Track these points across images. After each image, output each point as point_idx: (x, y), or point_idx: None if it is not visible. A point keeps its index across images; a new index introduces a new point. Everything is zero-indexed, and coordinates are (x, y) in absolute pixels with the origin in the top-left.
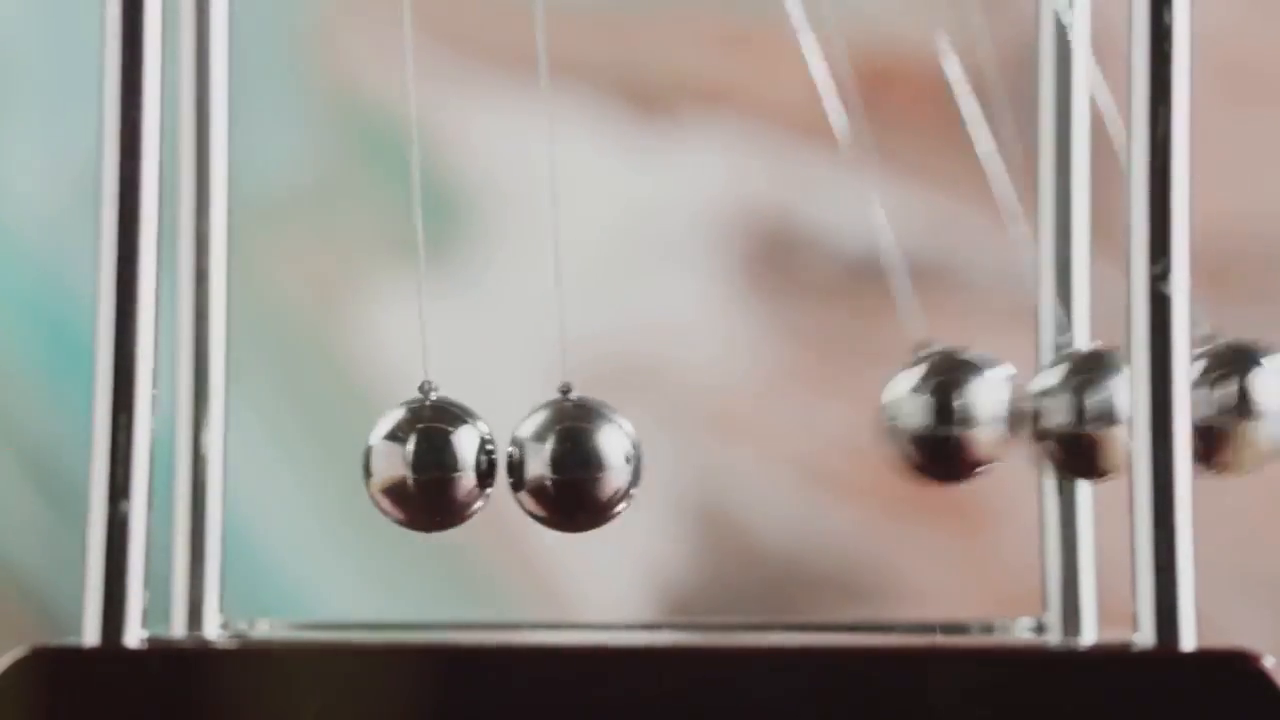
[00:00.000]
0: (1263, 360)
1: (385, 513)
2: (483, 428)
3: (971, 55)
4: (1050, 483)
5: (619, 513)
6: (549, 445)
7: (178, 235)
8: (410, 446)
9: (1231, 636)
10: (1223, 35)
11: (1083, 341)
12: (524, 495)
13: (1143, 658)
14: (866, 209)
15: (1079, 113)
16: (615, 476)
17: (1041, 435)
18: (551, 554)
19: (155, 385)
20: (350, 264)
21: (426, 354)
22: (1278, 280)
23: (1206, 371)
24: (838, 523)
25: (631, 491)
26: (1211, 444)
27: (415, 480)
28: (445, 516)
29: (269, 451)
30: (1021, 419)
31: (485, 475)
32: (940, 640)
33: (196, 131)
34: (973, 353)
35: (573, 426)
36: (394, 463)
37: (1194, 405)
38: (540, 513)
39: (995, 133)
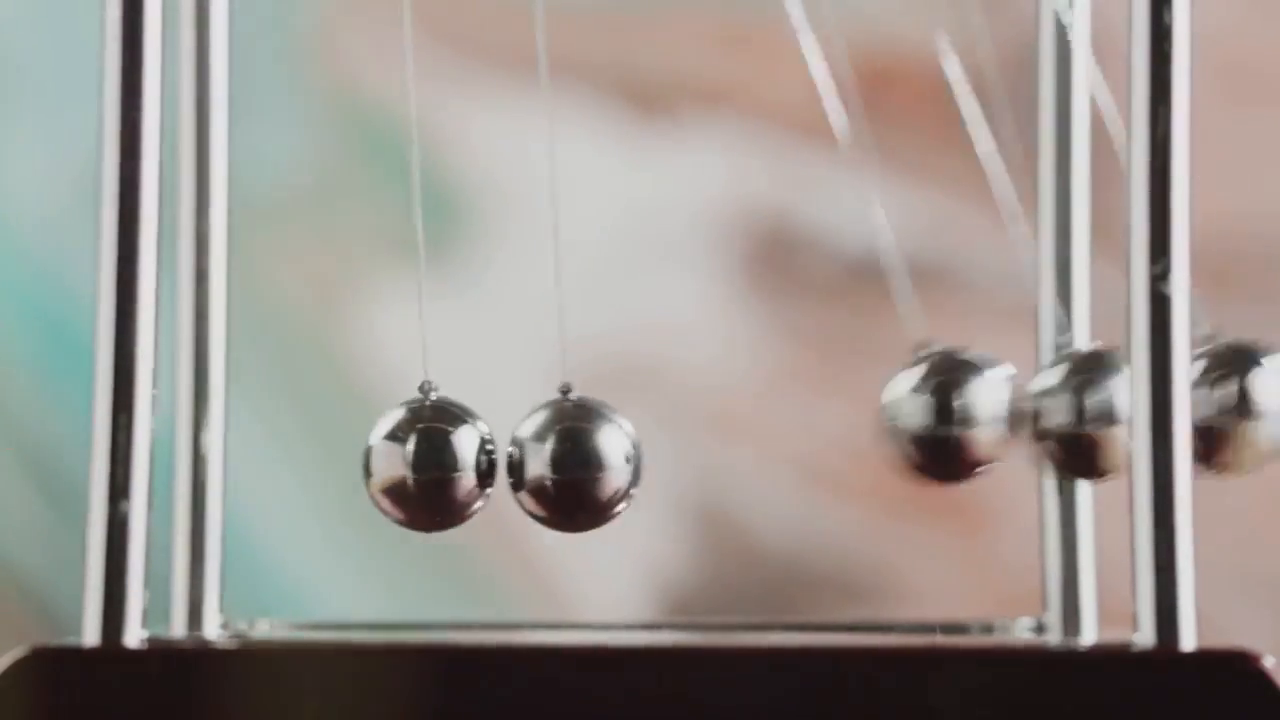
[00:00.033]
0: (1263, 360)
1: (385, 513)
2: (483, 428)
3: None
4: (1050, 483)
5: (619, 513)
6: (549, 445)
7: (178, 235)
8: (410, 446)
9: (1231, 636)
10: (1223, 35)
11: (1083, 341)
12: (524, 495)
13: (1143, 658)
14: (867, 209)
15: (1079, 113)
16: (615, 476)
17: (1041, 435)
18: (551, 554)
19: (155, 385)
20: (350, 264)
21: (426, 354)
22: (1278, 280)
23: (1207, 371)
24: (838, 523)
25: (631, 491)
26: (1211, 444)
27: (415, 480)
28: (445, 516)
29: (269, 451)
30: (1021, 419)
31: (485, 475)
32: (940, 640)
33: (196, 131)
34: (973, 353)
35: (573, 426)
36: (394, 463)
37: (1194, 405)
38: (540, 513)
39: (995, 133)
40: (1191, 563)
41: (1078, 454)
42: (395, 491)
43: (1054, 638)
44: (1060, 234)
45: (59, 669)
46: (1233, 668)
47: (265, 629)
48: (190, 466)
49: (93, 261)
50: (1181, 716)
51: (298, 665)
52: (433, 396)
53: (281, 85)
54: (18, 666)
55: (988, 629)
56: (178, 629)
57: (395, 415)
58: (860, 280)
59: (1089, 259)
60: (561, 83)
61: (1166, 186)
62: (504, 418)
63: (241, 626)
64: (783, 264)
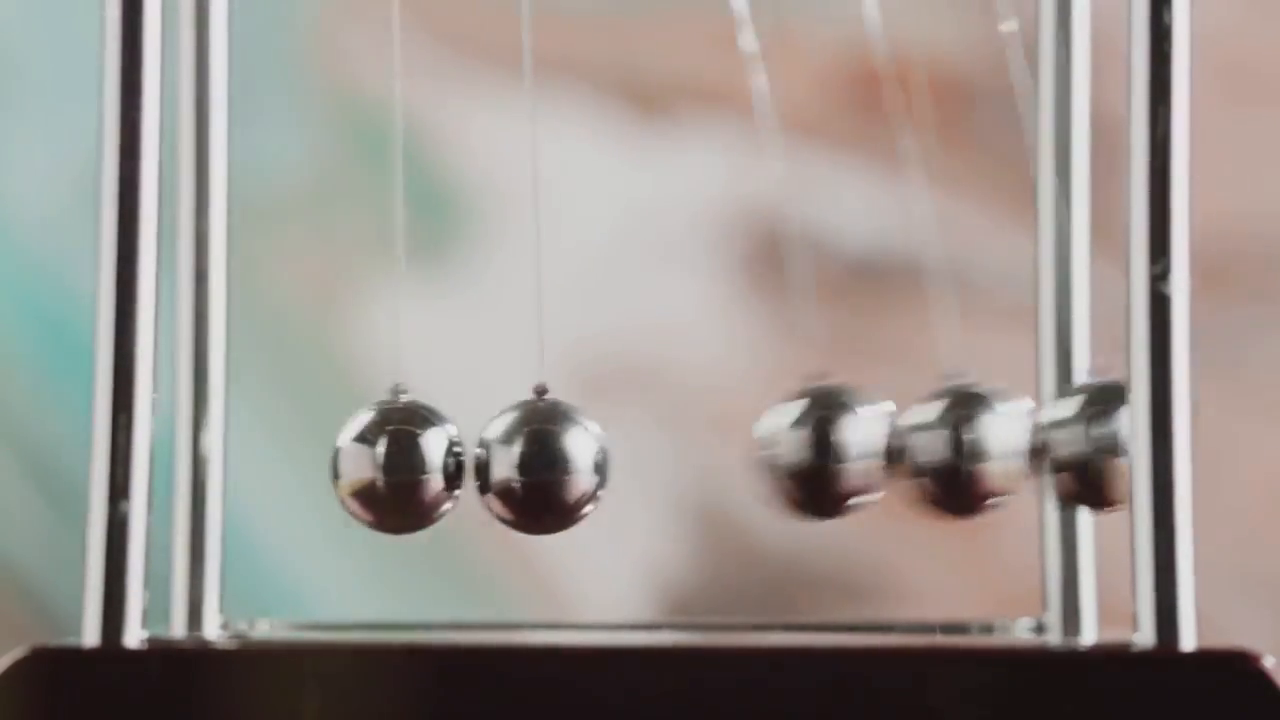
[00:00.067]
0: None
1: (354, 515)
2: (451, 430)
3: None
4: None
5: (586, 515)
6: (517, 448)
7: (177, 235)
8: (380, 449)
9: (1231, 636)
10: (1223, 35)
11: (960, 380)
12: (491, 498)
13: (1143, 658)
14: (866, 209)
15: (1079, 113)
16: (583, 480)
17: (917, 472)
18: (551, 554)
19: (155, 388)
20: (350, 264)
21: (400, 355)
22: (1278, 280)
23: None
24: (837, 523)
25: (599, 494)
26: (1092, 481)
27: (385, 482)
28: (414, 519)
29: (269, 451)
30: (899, 454)
31: (453, 477)
32: (940, 640)
33: (196, 131)
34: (851, 388)
35: (540, 429)
36: (363, 465)
37: (1074, 441)
38: (507, 515)
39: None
40: (1191, 563)
41: (954, 490)
42: (364, 494)
43: (1054, 638)
44: (1060, 234)
45: (59, 669)
46: (1233, 668)
47: (265, 629)
48: (190, 466)
49: (93, 261)
50: (1181, 716)
51: (298, 665)
52: (403, 399)
53: (281, 85)
54: (18, 666)
55: (988, 629)
56: (178, 629)
57: (364, 417)
58: (860, 280)
59: (1089, 259)
60: (561, 83)
61: (1166, 186)
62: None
63: (241, 626)
64: (783, 264)
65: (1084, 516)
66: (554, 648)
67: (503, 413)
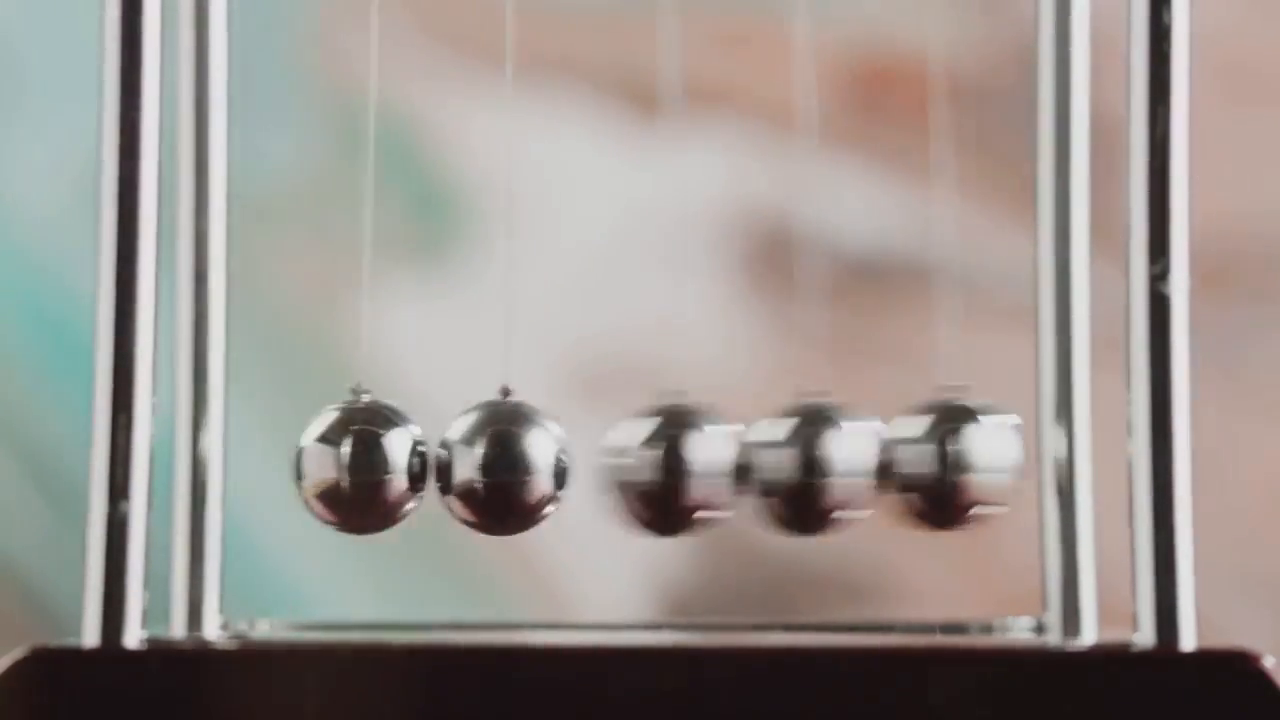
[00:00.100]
0: (980, 418)
1: (317, 516)
2: (414, 430)
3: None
4: (1051, 483)
5: (547, 516)
6: (478, 449)
7: (177, 235)
8: (344, 449)
9: (1231, 636)
10: (1223, 35)
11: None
12: (452, 499)
13: (1143, 658)
14: (866, 209)
15: (1079, 113)
16: (542, 481)
17: (766, 490)
18: (551, 554)
19: (154, 391)
20: (350, 264)
21: (366, 357)
22: (1278, 280)
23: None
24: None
25: (559, 495)
26: (937, 499)
27: (350, 483)
28: (377, 519)
29: (269, 452)
30: (745, 471)
31: (417, 478)
32: (940, 640)
33: (196, 131)
34: (702, 405)
35: (501, 430)
36: (326, 465)
37: (918, 461)
38: (468, 516)
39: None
40: (1191, 563)
41: (801, 509)
42: (328, 495)
43: (1054, 638)
44: (1060, 234)
45: (59, 669)
46: (1233, 668)
47: (265, 629)
48: (190, 467)
49: (93, 261)
50: (1181, 716)
51: (298, 665)
52: (364, 399)
53: (281, 85)
54: (18, 667)
55: (988, 629)
56: (178, 629)
57: (327, 418)
58: (860, 280)
59: (1089, 259)
60: (561, 83)
61: (1166, 186)
62: None
63: (241, 627)
64: (782, 264)
65: (1084, 516)
66: (554, 648)
67: (464, 413)
